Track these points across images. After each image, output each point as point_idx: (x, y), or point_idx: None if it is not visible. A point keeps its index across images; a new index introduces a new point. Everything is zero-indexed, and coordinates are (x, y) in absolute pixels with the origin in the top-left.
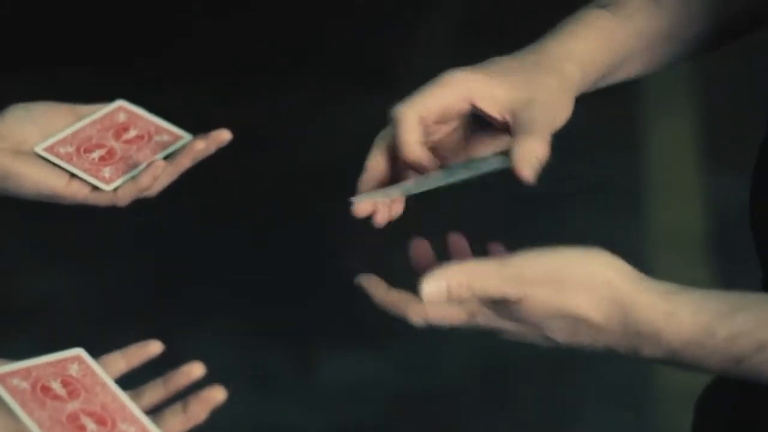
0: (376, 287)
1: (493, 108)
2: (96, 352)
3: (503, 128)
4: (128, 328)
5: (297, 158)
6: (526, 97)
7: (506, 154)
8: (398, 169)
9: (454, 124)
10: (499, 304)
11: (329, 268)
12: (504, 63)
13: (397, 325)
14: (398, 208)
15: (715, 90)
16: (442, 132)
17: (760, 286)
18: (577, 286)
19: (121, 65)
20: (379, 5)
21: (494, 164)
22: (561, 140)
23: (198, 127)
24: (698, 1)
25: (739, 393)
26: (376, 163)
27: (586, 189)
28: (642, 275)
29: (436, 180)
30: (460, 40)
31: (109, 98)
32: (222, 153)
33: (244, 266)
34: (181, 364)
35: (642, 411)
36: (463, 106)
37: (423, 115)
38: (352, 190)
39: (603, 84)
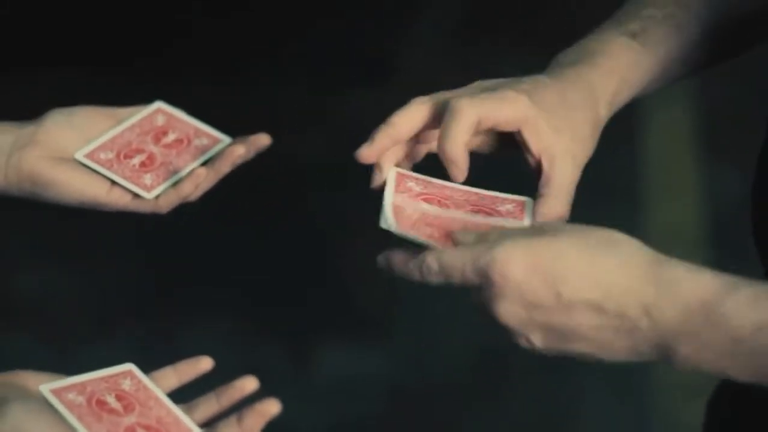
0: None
1: (536, 145)
2: (99, 351)
3: (534, 163)
4: (128, 327)
5: (297, 156)
6: (564, 147)
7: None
8: (414, 147)
9: (491, 136)
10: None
11: (328, 264)
12: (551, 95)
13: (396, 320)
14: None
15: (714, 86)
16: (478, 139)
17: None
18: (606, 245)
19: (121, 65)
20: (378, 1)
21: (512, 222)
22: None
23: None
24: (712, 22)
25: (752, 392)
26: (406, 123)
27: (584, 186)
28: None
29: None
30: (458, 34)
31: (111, 99)
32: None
33: (243, 262)
34: (180, 359)
35: (642, 404)
36: (513, 127)
37: (480, 120)
38: (352, 186)
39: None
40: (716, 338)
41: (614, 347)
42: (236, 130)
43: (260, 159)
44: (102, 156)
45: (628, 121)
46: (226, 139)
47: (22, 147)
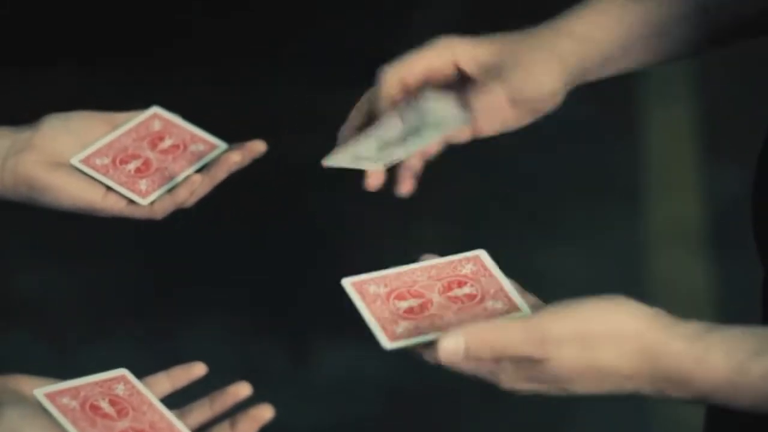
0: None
1: (473, 68)
2: (98, 351)
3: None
4: (127, 327)
5: (297, 156)
6: (506, 59)
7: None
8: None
9: (441, 87)
10: (522, 363)
11: (327, 264)
12: (497, 36)
13: None
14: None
15: (714, 83)
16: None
17: (761, 283)
18: (605, 341)
19: (120, 65)
20: (378, 1)
21: (453, 123)
22: (559, 134)
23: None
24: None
25: None
26: (356, 115)
27: (585, 185)
28: (670, 319)
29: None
30: (458, 34)
31: (109, 99)
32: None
33: (241, 261)
34: (180, 359)
35: (640, 401)
36: (449, 69)
37: (404, 76)
38: (352, 186)
39: (606, 72)
40: (738, 401)
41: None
42: (235, 130)
43: (259, 159)
44: (98, 161)
45: (628, 120)
46: (222, 144)
47: (19, 151)
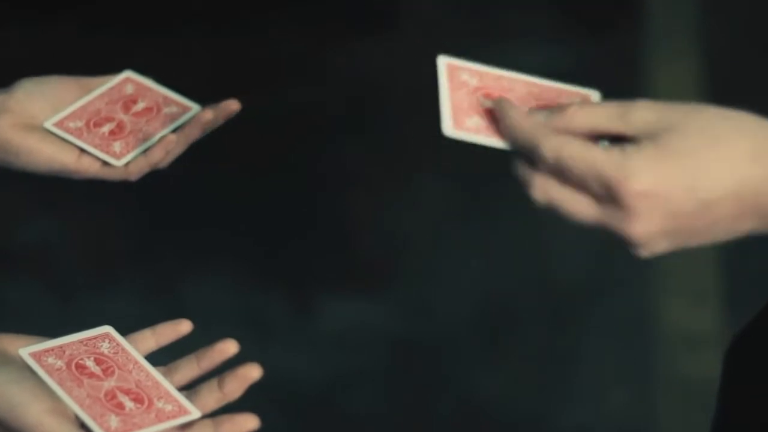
0: (514, 109)
1: None
2: (96, 299)
3: None
4: (125, 273)
5: (293, 101)
6: None
7: None
8: None
9: None
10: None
11: (329, 214)
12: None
13: (401, 270)
14: None
15: (718, 43)
16: None
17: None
18: (737, 138)
19: (108, 16)
20: None
21: None
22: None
23: (194, 74)
24: None
25: None
26: None
27: None
28: None
29: None
30: None
31: (94, 52)
32: (217, 98)
33: (246, 213)
34: (180, 310)
35: (644, 355)
36: None
37: None
38: (358, 137)
39: None
40: None
41: (741, 231)
42: (236, 82)
43: (262, 110)
44: (71, 125)
45: (631, 85)
46: (195, 107)
47: None
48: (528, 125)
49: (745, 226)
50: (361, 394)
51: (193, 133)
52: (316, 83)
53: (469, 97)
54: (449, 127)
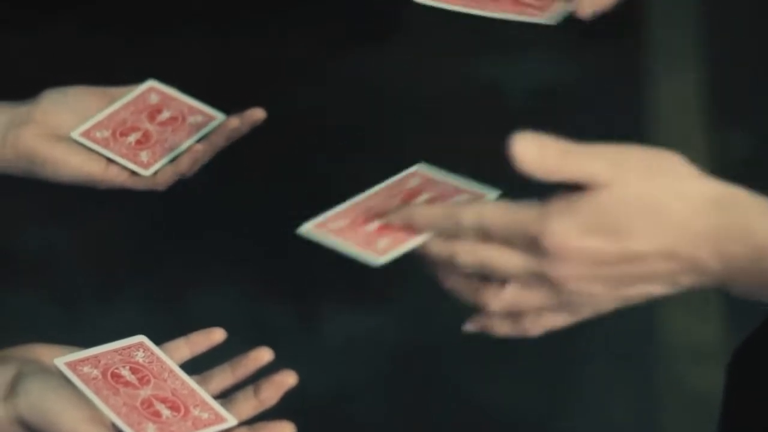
0: (415, 206)
1: None
2: (107, 312)
3: None
4: (129, 281)
5: (294, 108)
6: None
7: None
8: None
9: None
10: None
11: None
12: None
13: (401, 280)
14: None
15: (720, 49)
16: None
17: None
18: (668, 190)
19: (111, 19)
20: None
21: None
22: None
23: (194, 77)
24: None
25: None
26: None
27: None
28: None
29: None
30: None
31: (94, 53)
32: (216, 101)
33: (248, 222)
34: (188, 320)
35: (647, 368)
36: None
37: None
38: (358, 144)
39: None
40: None
41: (680, 284)
42: (237, 88)
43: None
44: (98, 134)
45: (633, 89)
46: (220, 115)
47: (19, 125)
48: (438, 209)
49: (686, 280)
50: (365, 404)
51: (219, 142)
52: (318, 87)
53: (355, 232)
54: (375, 259)
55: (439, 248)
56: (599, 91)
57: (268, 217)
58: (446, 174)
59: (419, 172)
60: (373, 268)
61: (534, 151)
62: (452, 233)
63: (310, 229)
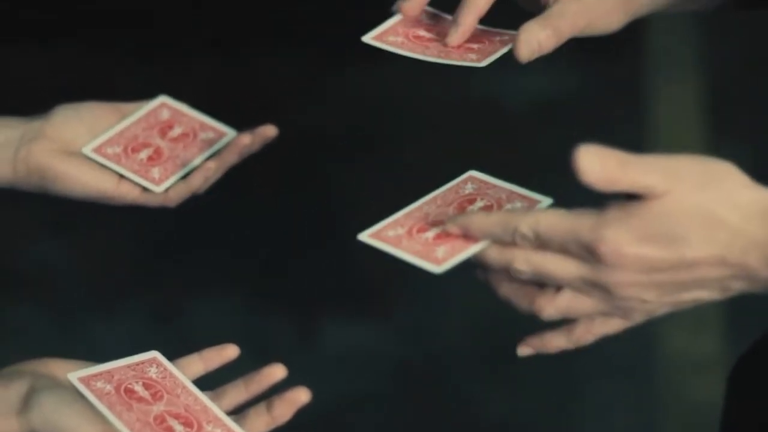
0: (470, 214)
1: None
2: (106, 326)
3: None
4: (129, 295)
5: (297, 124)
6: None
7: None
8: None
9: None
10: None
11: (331, 236)
12: None
13: (400, 292)
14: None
15: (719, 60)
16: None
17: None
18: (720, 199)
19: (114, 38)
20: None
21: None
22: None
23: (201, 98)
24: None
25: None
26: None
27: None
28: None
29: None
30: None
31: (114, 75)
32: (229, 121)
33: (250, 236)
34: (183, 334)
35: (648, 379)
36: None
37: None
38: (359, 161)
39: (677, 8)
40: None
41: (731, 290)
42: (237, 107)
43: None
44: (110, 150)
45: (634, 98)
46: (231, 132)
47: (31, 141)
48: (495, 216)
49: (736, 286)
50: (365, 416)
51: (231, 159)
52: (317, 106)
53: (413, 240)
54: (435, 268)
55: (496, 255)
56: (599, 102)
57: (267, 233)
58: (499, 180)
59: (473, 177)
60: (374, 283)
61: (596, 163)
62: (508, 241)
63: (367, 237)
